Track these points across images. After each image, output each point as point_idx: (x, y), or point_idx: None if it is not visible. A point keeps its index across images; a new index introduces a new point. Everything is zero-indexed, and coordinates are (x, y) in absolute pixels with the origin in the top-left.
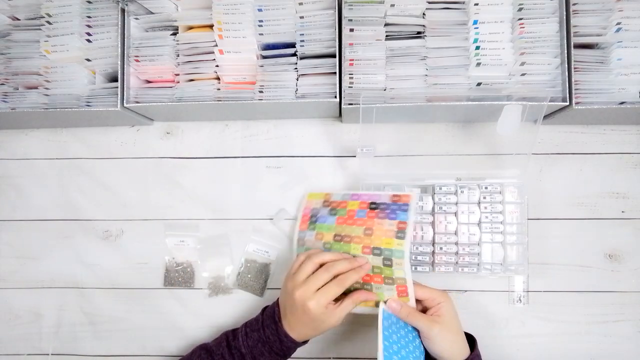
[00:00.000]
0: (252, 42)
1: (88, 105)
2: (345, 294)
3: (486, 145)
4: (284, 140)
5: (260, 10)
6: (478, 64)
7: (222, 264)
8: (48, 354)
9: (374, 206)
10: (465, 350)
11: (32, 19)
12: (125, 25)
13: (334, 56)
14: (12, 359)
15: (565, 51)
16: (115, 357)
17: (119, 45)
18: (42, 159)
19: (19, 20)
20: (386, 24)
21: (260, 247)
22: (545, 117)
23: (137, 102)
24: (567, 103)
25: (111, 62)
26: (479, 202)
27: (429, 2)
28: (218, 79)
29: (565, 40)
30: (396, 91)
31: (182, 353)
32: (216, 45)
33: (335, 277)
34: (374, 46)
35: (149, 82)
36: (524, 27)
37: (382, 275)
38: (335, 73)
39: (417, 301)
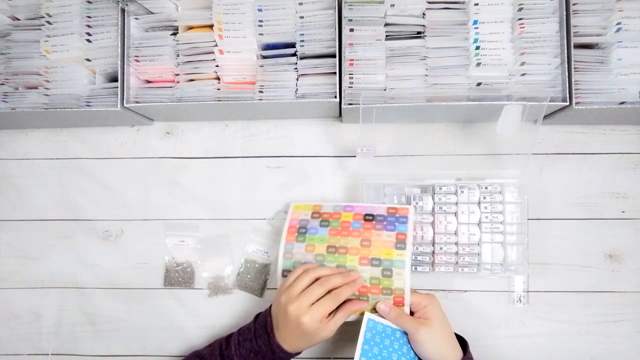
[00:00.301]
0: (252, 42)
1: (88, 105)
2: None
3: (486, 145)
4: (284, 140)
5: (260, 10)
6: (478, 64)
7: (222, 264)
8: (48, 354)
9: (369, 218)
10: (457, 354)
11: (32, 19)
12: (125, 25)
13: (334, 56)
14: (12, 359)
15: (565, 51)
16: (115, 357)
17: (119, 45)
18: (42, 159)
19: (19, 20)
20: (386, 24)
21: (260, 248)
22: (545, 117)
23: (137, 102)
24: (567, 103)
25: (111, 62)
26: (479, 202)
27: (429, 2)
28: (218, 79)
29: (565, 40)
30: (396, 91)
31: (182, 353)
32: (216, 45)
33: (329, 291)
34: (374, 46)
35: (149, 82)
36: (524, 27)
37: (380, 287)
38: (335, 73)
39: None
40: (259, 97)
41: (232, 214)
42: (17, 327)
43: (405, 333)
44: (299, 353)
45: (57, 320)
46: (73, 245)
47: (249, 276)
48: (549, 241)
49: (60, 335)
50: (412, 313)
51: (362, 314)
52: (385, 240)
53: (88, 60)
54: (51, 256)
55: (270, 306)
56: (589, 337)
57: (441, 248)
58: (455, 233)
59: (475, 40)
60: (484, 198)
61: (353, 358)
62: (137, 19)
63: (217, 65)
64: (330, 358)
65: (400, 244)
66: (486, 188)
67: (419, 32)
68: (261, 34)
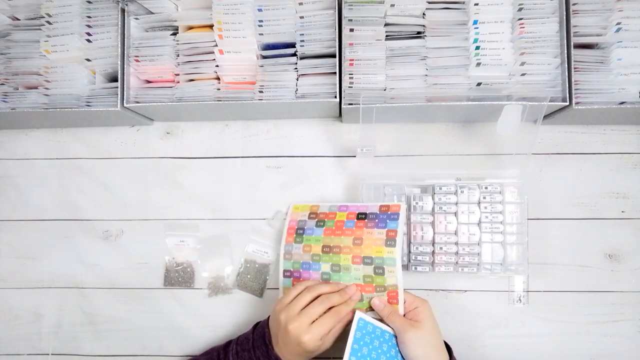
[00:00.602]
0: (252, 42)
1: (88, 105)
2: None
3: (486, 145)
4: (284, 140)
5: (260, 10)
6: (478, 64)
7: (222, 264)
8: (48, 354)
9: (362, 216)
10: (444, 359)
11: (32, 19)
12: (125, 25)
13: (334, 56)
14: (12, 359)
15: (565, 51)
16: (115, 357)
17: (119, 45)
18: (42, 159)
19: (19, 20)
20: (386, 24)
21: (260, 248)
22: (545, 117)
23: (137, 102)
24: (567, 103)
25: (111, 62)
26: (479, 202)
27: (429, 2)
28: (218, 79)
29: (565, 40)
30: (396, 91)
31: (182, 353)
32: (216, 45)
33: (328, 309)
34: (374, 46)
35: (149, 82)
36: (524, 27)
37: (374, 284)
38: (335, 73)
39: None
40: (259, 97)
41: (232, 214)
42: (17, 327)
43: (395, 336)
44: None
45: (57, 320)
46: (73, 245)
47: (248, 276)
48: (549, 241)
49: (60, 335)
50: (403, 314)
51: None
52: (376, 238)
53: (88, 60)
54: (51, 256)
55: (269, 317)
56: (589, 337)
57: (441, 248)
58: (455, 233)
59: (475, 40)
60: (484, 198)
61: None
62: (137, 19)
63: (217, 65)
64: (330, 358)
65: (390, 241)
66: (486, 188)
67: (419, 32)
68: (261, 34)
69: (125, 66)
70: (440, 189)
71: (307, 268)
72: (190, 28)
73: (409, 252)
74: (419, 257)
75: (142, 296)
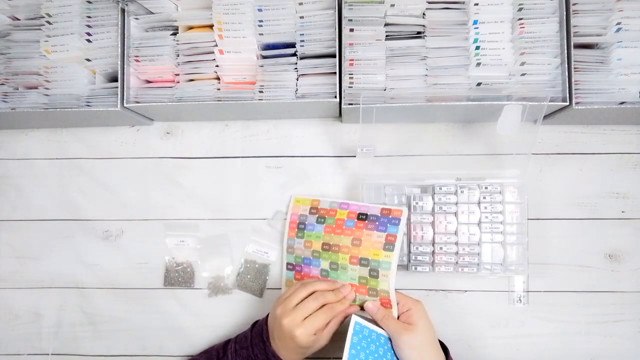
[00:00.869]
0: (252, 42)
1: (88, 105)
2: None
3: (486, 145)
4: (284, 140)
5: (260, 10)
6: (478, 64)
7: (222, 264)
8: (48, 354)
9: (362, 217)
10: None
11: (32, 19)
12: (125, 25)
13: (334, 56)
14: (12, 359)
15: (565, 51)
16: (115, 357)
17: (119, 45)
18: (42, 159)
19: (19, 20)
20: (386, 24)
21: (260, 248)
22: (545, 117)
23: (137, 102)
24: (567, 103)
25: (111, 62)
26: (479, 202)
27: (429, 2)
28: (218, 79)
29: (565, 40)
30: (396, 91)
31: (182, 353)
32: (216, 45)
33: (322, 306)
34: (374, 46)
35: (149, 82)
36: (524, 27)
37: (367, 287)
38: (335, 73)
39: None
40: (259, 97)
41: (232, 214)
42: (17, 327)
43: (390, 339)
44: None
45: (57, 320)
46: (73, 245)
47: (248, 276)
48: (549, 241)
49: (60, 335)
50: (397, 316)
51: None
52: (374, 241)
53: (88, 60)
54: (51, 256)
55: (268, 314)
56: (589, 337)
57: (441, 248)
58: (455, 233)
59: (475, 40)
60: (484, 198)
61: None
62: (137, 19)
63: (217, 65)
64: (330, 358)
65: (389, 245)
66: (486, 188)
67: (419, 32)
68: (261, 34)
69: (125, 66)
70: (440, 189)
71: (308, 263)
72: (190, 28)
73: (409, 252)
74: (419, 257)
75: (142, 296)
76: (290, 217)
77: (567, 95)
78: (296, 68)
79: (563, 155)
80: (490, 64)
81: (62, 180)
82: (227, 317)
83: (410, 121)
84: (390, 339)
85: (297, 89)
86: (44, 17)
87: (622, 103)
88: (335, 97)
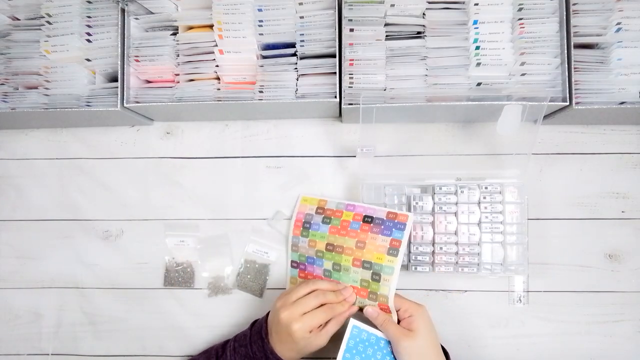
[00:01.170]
0: (252, 42)
1: (88, 105)
2: None
3: (486, 145)
4: (284, 140)
5: (260, 10)
6: (478, 64)
7: (222, 264)
8: (48, 354)
9: (368, 220)
10: None
11: (32, 19)
12: (125, 25)
13: (334, 56)
14: (12, 359)
15: (565, 51)
16: (115, 357)
17: (119, 45)
18: (42, 159)
19: (19, 20)
20: (386, 24)
21: (260, 248)
22: (545, 117)
23: (137, 102)
24: (567, 103)
25: (111, 62)
26: (479, 202)
27: (429, 2)
28: (218, 79)
29: (565, 40)
30: (396, 91)
31: (182, 353)
32: (216, 45)
33: (323, 304)
34: (374, 46)
35: (149, 82)
36: (524, 27)
37: (368, 290)
38: (335, 73)
39: None
40: (259, 97)
41: (232, 214)
42: (17, 327)
43: (390, 342)
44: None
45: (57, 320)
46: (73, 245)
47: (248, 276)
48: (549, 241)
49: (60, 335)
50: (398, 321)
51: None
52: (379, 245)
53: (88, 60)
54: (51, 256)
55: (268, 313)
56: (589, 337)
57: (441, 248)
58: (455, 233)
59: (475, 40)
60: (484, 198)
61: None
62: (137, 19)
63: (217, 65)
64: (330, 358)
65: (393, 250)
66: (486, 188)
67: (419, 32)
68: (261, 34)
69: (125, 66)
70: (440, 189)
71: (312, 263)
72: (190, 28)
73: (409, 252)
74: (419, 257)
75: (142, 296)
76: (296, 215)
77: (567, 95)
78: (296, 68)
79: (563, 155)
80: (490, 64)
81: (62, 180)
82: (227, 317)
83: (410, 121)
84: (390, 343)
85: (297, 89)
86: (44, 17)
87: (622, 103)
88: (335, 97)
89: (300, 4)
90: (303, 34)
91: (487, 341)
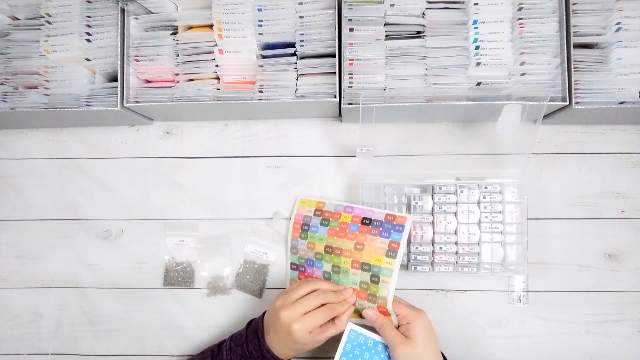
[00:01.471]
0: (252, 42)
1: (88, 105)
2: None
3: (486, 145)
4: (284, 140)
5: (260, 10)
6: (478, 64)
7: (222, 264)
8: (48, 354)
9: (366, 222)
10: None
11: (32, 19)
12: (125, 25)
13: (334, 56)
14: (12, 359)
15: (565, 51)
16: (115, 357)
17: (119, 45)
18: (42, 159)
19: (19, 20)
20: (386, 24)
21: (260, 249)
22: (545, 117)
23: (137, 102)
24: (567, 103)
25: (111, 62)
26: (479, 202)
27: (429, 2)
28: (218, 79)
29: (565, 40)
30: (396, 91)
31: (182, 353)
32: (216, 45)
33: (324, 305)
34: (374, 46)
35: (149, 82)
36: (524, 27)
37: (368, 292)
38: (335, 73)
39: None
40: (259, 97)
41: (232, 214)
42: (17, 327)
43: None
44: None
45: (57, 320)
46: (73, 245)
47: (248, 277)
48: (549, 241)
49: (60, 335)
50: (397, 327)
51: (354, 317)
52: (377, 247)
53: (88, 60)
54: (51, 256)
55: (264, 313)
56: (589, 337)
57: (441, 248)
58: (455, 233)
59: (475, 40)
60: (484, 198)
61: None
62: (137, 19)
63: (217, 65)
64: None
65: (392, 252)
66: (486, 188)
67: (419, 32)
68: (261, 34)
69: (125, 66)
70: (440, 189)
71: (311, 265)
72: (190, 28)
73: (409, 252)
74: (419, 257)
75: (142, 296)
76: (294, 217)
77: (567, 95)
78: (296, 68)
79: (563, 155)
80: (490, 64)
81: (62, 180)
82: (227, 317)
83: (410, 121)
84: (387, 347)
85: (297, 89)
86: (44, 17)
87: (622, 103)
88: (335, 97)
89: (300, 4)
90: (303, 34)
91: (487, 341)
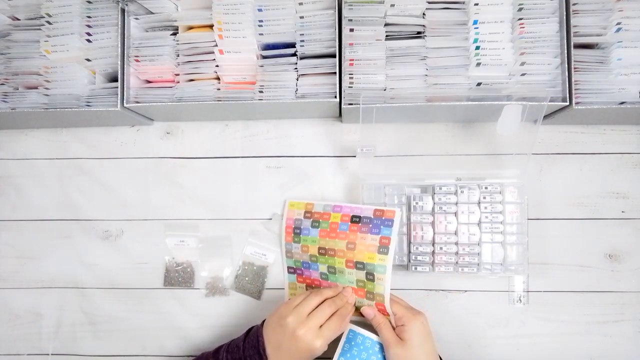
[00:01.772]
0: (252, 42)
1: (88, 105)
2: None
3: (486, 145)
4: (284, 140)
5: (260, 10)
6: (478, 64)
7: (221, 265)
8: (48, 354)
9: (356, 219)
10: None
11: (32, 19)
12: (125, 25)
13: (334, 56)
14: (12, 359)
15: (565, 51)
16: (115, 357)
17: (119, 45)
18: (42, 159)
19: (19, 20)
20: (386, 24)
21: (258, 250)
22: (545, 117)
23: (137, 102)
24: (567, 103)
25: (111, 62)
26: (479, 202)
27: (429, 2)
28: (218, 79)
29: (565, 40)
30: (396, 91)
31: (182, 353)
32: (216, 45)
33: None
34: (374, 46)
35: (149, 82)
36: (524, 27)
37: (365, 289)
38: (335, 73)
39: None
40: (259, 97)
41: (232, 214)
42: (17, 327)
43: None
44: None
45: (57, 320)
46: (73, 245)
47: (246, 278)
48: (549, 241)
49: (60, 335)
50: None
51: (355, 315)
52: (369, 244)
53: (88, 60)
54: (51, 256)
55: (262, 323)
56: (589, 337)
57: (441, 248)
58: (455, 233)
59: (475, 40)
60: (484, 198)
61: None
62: (137, 19)
63: (217, 65)
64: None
65: (383, 248)
66: (486, 188)
67: (419, 32)
68: (261, 34)
69: (125, 66)
70: (440, 189)
71: (307, 267)
72: (190, 28)
73: (409, 252)
74: (419, 257)
75: (142, 296)
76: (285, 221)
77: (567, 95)
78: (296, 68)
79: (563, 155)
80: (490, 64)
81: (62, 180)
82: (227, 317)
83: (410, 121)
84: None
85: (297, 89)
86: (44, 17)
87: (622, 103)
88: (335, 97)
89: (300, 4)
90: (303, 34)
91: (487, 341)
